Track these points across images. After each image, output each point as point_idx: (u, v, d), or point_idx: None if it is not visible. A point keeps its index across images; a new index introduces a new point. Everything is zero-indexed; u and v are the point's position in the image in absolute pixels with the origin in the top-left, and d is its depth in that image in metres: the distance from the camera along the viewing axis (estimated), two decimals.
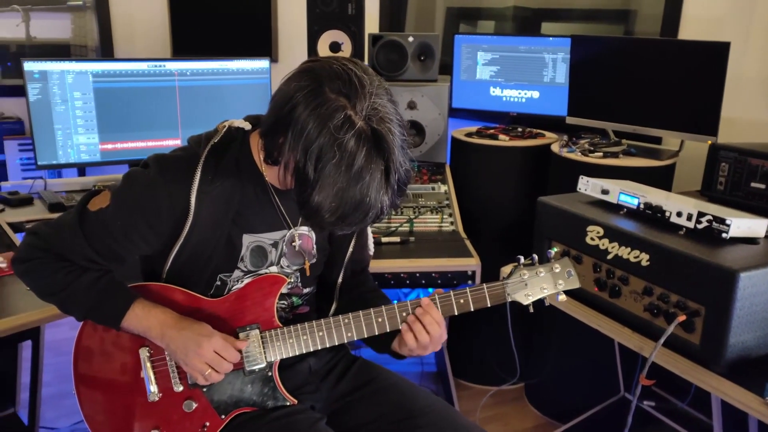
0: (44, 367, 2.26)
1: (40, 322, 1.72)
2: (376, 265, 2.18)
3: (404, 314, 1.36)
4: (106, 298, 1.29)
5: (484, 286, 1.35)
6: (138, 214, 1.26)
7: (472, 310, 1.35)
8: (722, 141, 2.22)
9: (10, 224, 2.08)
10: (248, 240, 1.36)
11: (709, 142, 2.20)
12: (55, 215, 2.18)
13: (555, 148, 2.51)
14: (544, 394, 2.74)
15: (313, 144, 1.11)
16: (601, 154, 2.37)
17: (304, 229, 1.43)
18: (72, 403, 2.62)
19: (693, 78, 2.24)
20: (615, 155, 2.37)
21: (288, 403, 1.38)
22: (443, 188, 2.63)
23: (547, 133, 2.82)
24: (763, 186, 2.02)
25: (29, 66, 2.20)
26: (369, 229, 1.58)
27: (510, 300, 1.36)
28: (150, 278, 1.39)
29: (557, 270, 1.38)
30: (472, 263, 2.21)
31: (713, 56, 2.16)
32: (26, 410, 2.29)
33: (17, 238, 2.03)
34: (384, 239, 2.34)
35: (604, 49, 2.46)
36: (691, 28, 2.56)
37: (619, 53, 2.42)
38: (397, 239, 2.35)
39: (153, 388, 1.33)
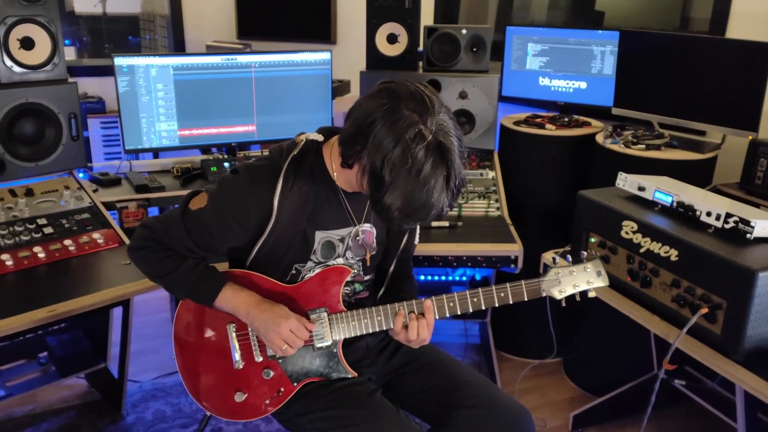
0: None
1: (131, 295, 2.01)
2: (427, 248, 2.38)
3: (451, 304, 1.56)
4: (202, 282, 1.54)
5: (522, 282, 1.54)
6: (230, 214, 1.49)
7: (511, 302, 1.54)
8: (765, 136, 2.32)
9: (104, 203, 2.35)
10: (320, 236, 1.58)
11: (750, 137, 2.30)
12: (141, 195, 2.46)
13: (599, 138, 2.63)
14: (581, 368, 2.92)
15: (390, 153, 1.32)
16: (643, 146, 2.49)
17: (366, 226, 1.64)
18: (150, 360, 2.96)
19: (736, 75, 2.32)
20: (657, 147, 2.48)
21: (349, 375, 1.61)
22: (491, 174, 2.79)
23: (594, 122, 2.93)
24: None
25: (119, 61, 2.44)
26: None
27: (544, 294, 1.54)
28: (236, 265, 1.63)
29: (588, 270, 1.55)
30: (514, 248, 2.38)
31: (756, 56, 2.24)
32: (115, 365, 2.60)
33: (110, 216, 2.31)
34: (434, 223, 2.53)
35: (651, 44, 2.55)
36: (739, 24, 2.62)
37: (666, 49, 2.50)
38: (446, 224, 2.53)
39: (237, 357, 1.57)
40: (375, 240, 1.66)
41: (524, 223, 2.70)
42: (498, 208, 2.66)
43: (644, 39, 2.57)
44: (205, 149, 2.87)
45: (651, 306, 1.87)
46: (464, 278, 3.25)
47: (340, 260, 1.62)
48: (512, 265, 2.41)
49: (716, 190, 2.36)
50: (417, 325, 1.54)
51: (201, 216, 1.50)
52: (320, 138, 1.55)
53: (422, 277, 3.19)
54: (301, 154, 1.52)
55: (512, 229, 2.52)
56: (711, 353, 1.67)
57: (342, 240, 1.61)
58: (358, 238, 1.62)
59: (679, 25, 3.17)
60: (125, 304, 2.37)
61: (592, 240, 2.08)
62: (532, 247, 2.43)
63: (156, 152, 3.40)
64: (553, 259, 1.56)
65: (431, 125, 1.33)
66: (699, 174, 2.46)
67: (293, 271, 1.59)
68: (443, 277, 3.24)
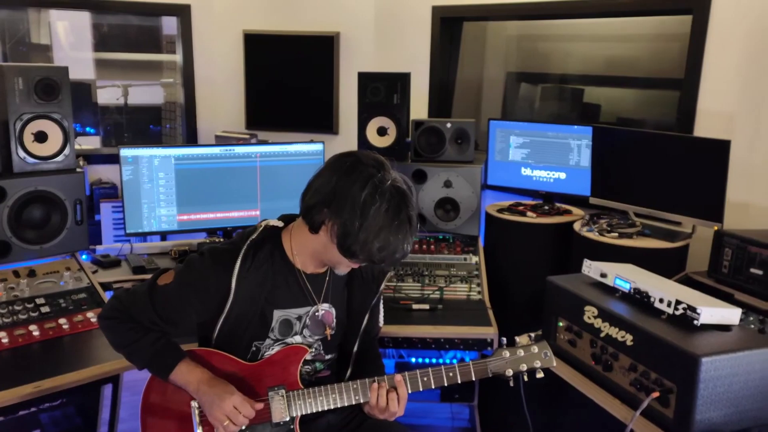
0: (121, 405, 2.64)
1: (115, 371, 2.12)
2: (406, 331, 2.47)
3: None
4: (161, 355, 1.65)
5: (471, 363, 1.63)
6: (192, 291, 1.63)
7: (460, 382, 1.62)
8: (737, 225, 2.41)
9: (101, 284, 2.50)
10: (278, 314, 1.69)
11: (715, 227, 2.39)
12: (138, 277, 2.60)
13: (576, 226, 2.74)
14: None
15: (358, 197, 1.49)
16: (616, 234, 2.59)
17: (325, 306, 1.75)
18: None
19: (700, 169, 2.45)
20: (630, 236, 2.59)
21: None
22: (474, 259, 2.90)
23: (575, 210, 3.06)
24: (760, 272, 2.19)
25: (124, 152, 2.66)
26: (381, 305, 1.89)
27: (491, 375, 1.62)
28: (204, 343, 1.74)
29: (535, 351, 1.64)
30: (490, 332, 2.46)
31: (716, 151, 2.37)
32: None
33: (106, 296, 2.44)
34: (415, 306, 2.63)
35: (621, 140, 2.70)
36: (705, 122, 2.77)
37: (634, 144, 2.66)
38: (426, 306, 2.63)
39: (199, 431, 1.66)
40: (335, 320, 1.77)
41: (506, 306, 2.78)
42: (479, 292, 2.76)
43: (614, 135, 2.73)
44: (211, 232, 3.04)
45: (612, 389, 1.92)
46: (454, 360, 3.29)
47: (298, 338, 1.72)
48: (489, 348, 2.48)
49: (687, 278, 2.43)
50: (387, 397, 1.63)
51: (166, 291, 1.63)
52: (280, 224, 1.70)
53: (413, 360, 3.25)
54: (259, 238, 1.66)
55: (490, 312, 2.61)
56: None
57: (299, 318, 1.72)
58: (317, 314, 1.73)
59: (676, 120, 3.32)
60: (115, 382, 2.47)
61: (561, 324, 2.16)
62: (513, 329, 2.48)
63: (163, 235, 3.60)
64: (501, 342, 1.65)
65: (389, 177, 1.53)
66: (671, 262, 2.55)
67: (253, 349, 1.69)
68: (434, 359, 3.29)
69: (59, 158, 2.48)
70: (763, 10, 2.59)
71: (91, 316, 2.30)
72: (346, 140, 4.16)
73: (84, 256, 2.69)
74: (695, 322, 1.75)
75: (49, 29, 5.53)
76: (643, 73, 3.69)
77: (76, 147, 2.78)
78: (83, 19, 5.50)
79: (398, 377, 1.64)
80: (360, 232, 1.49)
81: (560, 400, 2.89)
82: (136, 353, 1.67)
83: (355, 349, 1.81)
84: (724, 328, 1.77)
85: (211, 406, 1.59)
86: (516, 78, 4.26)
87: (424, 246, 2.97)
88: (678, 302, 1.80)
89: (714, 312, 1.76)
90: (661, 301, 1.85)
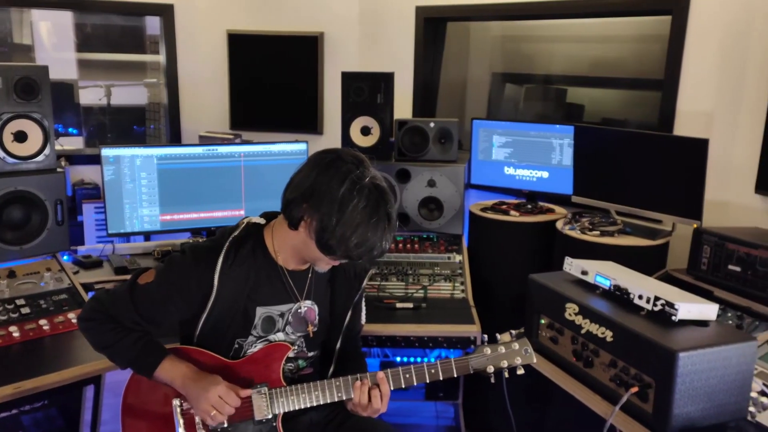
0: (104, 407, 2.62)
1: (102, 371, 2.10)
2: (389, 329, 2.48)
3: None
4: (144, 354, 1.64)
5: (452, 360, 1.64)
6: (174, 290, 1.62)
7: (441, 378, 1.63)
8: (715, 223, 2.44)
9: (83, 284, 2.48)
10: (260, 311, 1.70)
11: (694, 225, 2.42)
12: (120, 277, 2.58)
13: (559, 225, 2.76)
14: None
15: (336, 192, 1.49)
16: (598, 232, 2.62)
17: (308, 303, 1.75)
18: None
19: (679, 168, 2.48)
20: (611, 234, 2.61)
21: None
22: (458, 258, 2.92)
23: (558, 208, 3.08)
24: (738, 269, 2.23)
25: (106, 152, 2.64)
26: (363, 303, 1.89)
27: (472, 371, 1.63)
28: (186, 341, 1.74)
29: (516, 348, 1.65)
30: (473, 330, 2.48)
31: (695, 150, 2.40)
32: None
33: (87, 297, 2.43)
34: (399, 305, 2.64)
35: (603, 139, 2.73)
36: (685, 121, 2.80)
37: (617, 143, 2.68)
38: (410, 305, 2.64)
39: (181, 430, 1.65)
40: (317, 317, 1.77)
41: (490, 304, 2.80)
42: (463, 291, 2.77)
43: (596, 134, 2.76)
44: (195, 232, 3.03)
45: (593, 385, 1.94)
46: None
47: (281, 335, 1.72)
48: (472, 346, 2.49)
49: (667, 275, 2.46)
50: (370, 394, 1.63)
51: (148, 290, 1.63)
52: (262, 221, 1.71)
53: (398, 359, 3.25)
54: (241, 236, 1.67)
55: (474, 311, 2.62)
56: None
57: (282, 315, 1.72)
58: (300, 311, 1.73)
59: (658, 120, 3.37)
60: (96, 382, 2.45)
61: (543, 321, 2.18)
62: (496, 327, 2.50)
63: (147, 235, 3.58)
64: (482, 339, 1.66)
65: (367, 174, 1.53)
66: (652, 259, 2.57)
67: (236, 346, 1.69)
68: (418, 359, 3.30)
69: (39, 158, 2.46)
70: (740, 10, 2.62)
71: (72, 317, 2.28)
72: (330, 140, 4.16)
73: (65, 257, 2.67)
74: (673, 318, 1.77)
75: (31, 29, 5.49)
76: (626, 73, 3.73)
77: (59, 147, 2.76)
78: (66, 19, 5.46)
79: (380, 374, 1.64)
80: (337, 228, 1.49)
81: (543, 397, 2.91)
82: (119, 354, 1.67)
83: (338, 346, 1.81)
84: (702, 323, 1.79)
85: (198, 399, 1.59)
86: (501, 78, 4.29)
87: (408, 245, 2.97)
88: (657, 298, 1.82)
89: (692, 308, 1.78)
90: (640, 297, 1.87)
